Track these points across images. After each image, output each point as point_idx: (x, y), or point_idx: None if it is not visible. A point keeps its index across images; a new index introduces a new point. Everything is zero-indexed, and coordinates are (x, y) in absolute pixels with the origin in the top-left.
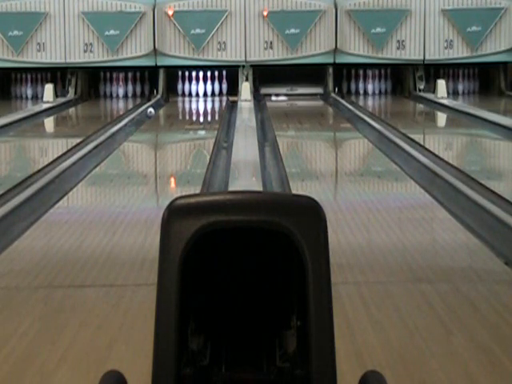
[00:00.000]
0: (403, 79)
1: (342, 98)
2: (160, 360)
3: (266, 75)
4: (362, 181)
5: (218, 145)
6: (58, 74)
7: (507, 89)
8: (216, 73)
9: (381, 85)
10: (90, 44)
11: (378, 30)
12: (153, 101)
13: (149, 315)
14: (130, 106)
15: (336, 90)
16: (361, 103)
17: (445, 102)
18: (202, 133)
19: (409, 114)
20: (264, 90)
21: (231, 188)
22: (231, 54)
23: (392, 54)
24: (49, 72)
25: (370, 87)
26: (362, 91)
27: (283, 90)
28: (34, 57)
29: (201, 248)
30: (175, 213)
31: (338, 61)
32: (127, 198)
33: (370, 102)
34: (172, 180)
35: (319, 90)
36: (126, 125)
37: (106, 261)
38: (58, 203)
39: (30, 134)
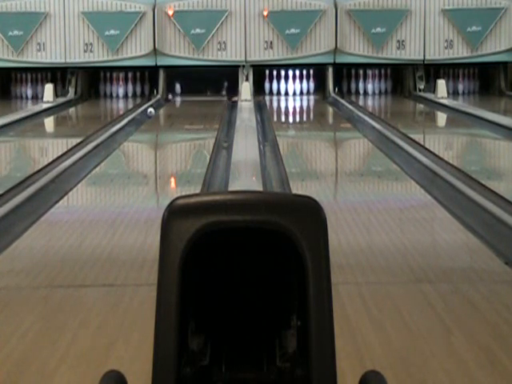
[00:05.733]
0: (403, 79)
1: (342, 97)
2: (160, 360)
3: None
4: (362, 181)
5: (218, 145)
6: (58, 74)
7: (507, 89)
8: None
9: (381, 85)
10: (90, 44)
11: (378, 29)
12: (153, 101)
13: (149, 315)
14: (130, 105)
15: (336, 89)
16: (361, 103)
17: (445, 101)
18: (202, 133)
19: (409, 114)
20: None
21: (231, 188)
22: (231, 54)
23: (392, 53)
24: (49, 72)
25: (369, 87)
26: (361, 91)
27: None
28: (34, 57)
29: (201, 248)
30: (175, 213)
31: (338, 61)
32: (127, 197)
33: (369, 101)
34: (172, 180)
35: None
36: (126, 125)
37: (106, 261)
38: (58, 203)
39: (30, 133)
